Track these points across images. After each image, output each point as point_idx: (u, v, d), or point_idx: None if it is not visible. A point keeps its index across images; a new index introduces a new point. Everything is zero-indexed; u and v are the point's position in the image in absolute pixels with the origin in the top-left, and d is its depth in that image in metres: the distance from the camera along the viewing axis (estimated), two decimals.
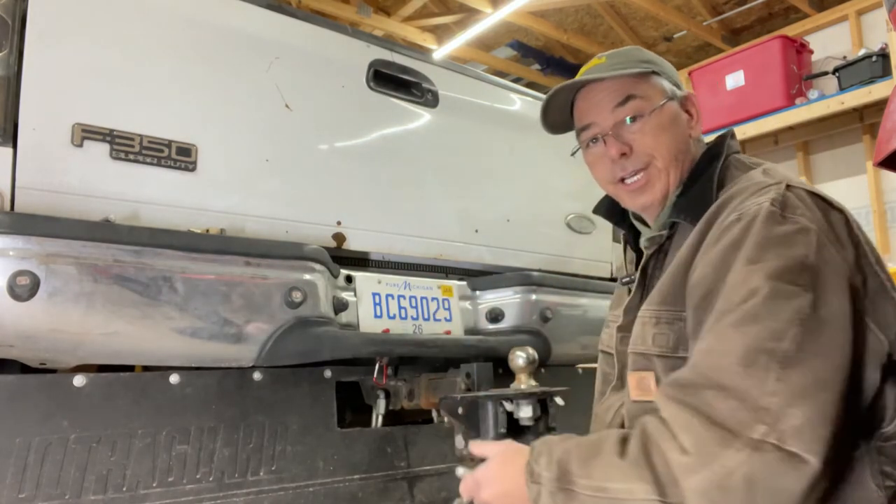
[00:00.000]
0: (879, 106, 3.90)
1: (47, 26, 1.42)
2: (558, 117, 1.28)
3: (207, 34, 1.66)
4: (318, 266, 1.58)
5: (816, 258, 0.91)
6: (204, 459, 1.50)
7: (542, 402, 1.22)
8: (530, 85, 6.54)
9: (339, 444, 1.71)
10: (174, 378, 1.51)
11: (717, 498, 0.83)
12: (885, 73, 3.87)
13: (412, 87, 2.03)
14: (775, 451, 0.81)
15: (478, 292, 2.01)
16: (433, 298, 1.88)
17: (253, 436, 1.58)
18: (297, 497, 1.60)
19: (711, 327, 0.93)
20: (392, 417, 1.88)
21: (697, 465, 0.84)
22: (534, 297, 1.98)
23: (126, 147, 1.48)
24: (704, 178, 1.13)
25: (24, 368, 1.45)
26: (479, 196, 2.15)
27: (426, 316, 1.84)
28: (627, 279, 1.27)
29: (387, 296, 1.80)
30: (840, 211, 1.01)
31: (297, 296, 1.51)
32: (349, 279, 1.75)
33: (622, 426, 1.17)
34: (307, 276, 1.55)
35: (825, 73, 4.24)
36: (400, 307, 1.80)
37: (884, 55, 3.91)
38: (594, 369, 1.44)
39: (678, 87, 1.23)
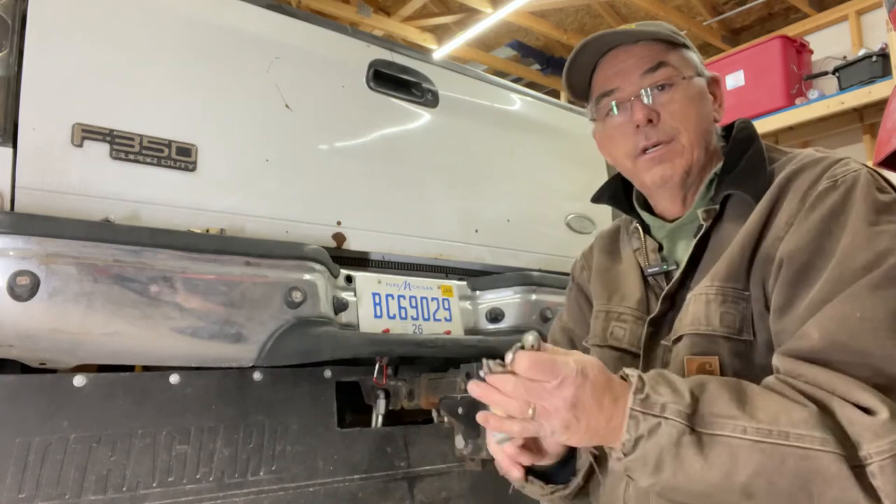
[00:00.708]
0: (879, 106, 3.90)
1: (47, 26, 1.42)
2: (582, 80, 1.15)
3: (207, 34, 1.66)
4: (318, 266, 1.58)
5: None
6: (204, 459, 1.51)
7: None
8: (530, 85, 6.54)
9: (339, 444, 1.71)
10: (174, 378, 1.51)
11: None
12: (885, 73, 3.87)
13: (412, 87, 2.03)
14: None
15: (478, 292, 2.01)
16: (433, 298, 1.88)
17: (253, 436, 1.58)
18: (297, 497, 1.60)
19: (832, 294, 0.85)
20: (392, 417, 1.88)
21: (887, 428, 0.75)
22: (534, 297, 1.98)
23: (126, 147, 1.48)
24: (752, 153, 1.07)
25: (24, 368, 1.45)
26: (479, 196, 2.15)
27: (426, 316, 1.84)
28: (656, 267, 1.12)
29: (387, 296, 1.80)
30: None
31: (297, 296, 1.51)
32: (349, 279, 1.75)
33: None
34: (307, 276, 1.55)
35: (825, 73, 4.24)
36: (400, 307, 1.80)
37: (884, 55, 3.91)
38: None
39: (704, 68, 1.15)
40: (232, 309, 1.44)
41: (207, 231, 1.54)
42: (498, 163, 2.22)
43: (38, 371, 1.45)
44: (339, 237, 1.81)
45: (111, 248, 1.31)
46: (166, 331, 1.38)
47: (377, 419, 1.84)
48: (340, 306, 1.66)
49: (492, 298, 2.00)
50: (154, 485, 1.43)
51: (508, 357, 0.82)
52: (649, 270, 1.13)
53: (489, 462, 1.80)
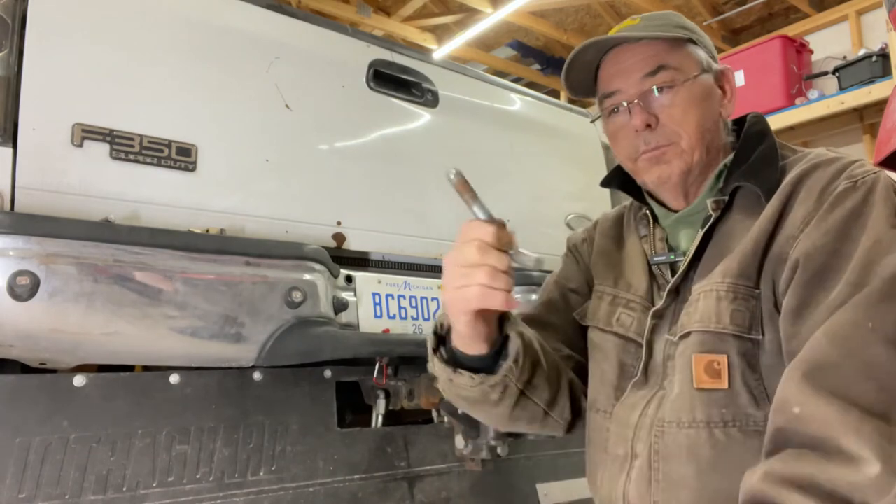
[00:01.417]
0: (879, 106, 3.90)
1: (47, 26, 1.42)
2: (582, 78, 1.14)
3: (207, 34, 1.66)
4: (318, 266, 1.58)
5: None
6: (204, 459, 1.51)
7: None
8: (530, 85, 6.54)
9: (339, 444, 1.71)
10: (174, 378, 1.51)
11: None
12: (885, 73, 3.87)
13: (412, 87, 2.03)
14: None
15: None
16: (433, 298, 1.88)
17: (253, 436, 1.58)
18: (297, 497, 1.60)
19: (850, 298, 0.83)
20: (392, 417, 1.88)
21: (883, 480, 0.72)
22: (534, 297, 1.97)
23: (126, 147, 1.48)
24: (765, 147, 1.05)
25: (24, 368, 1.45)
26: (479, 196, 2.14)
27: (426, 316, 1.84)
28: (663, 257, 1.10)
29: (387, 296, 1.80)
30: None
31: (297, 296, 1.51)
32: (349, 279, 1.75)
33: (649, 430, 1.00)
34: (307, 276, 1.55)
35: (825, 73, 4.24)
36: (400, 307, 1.80)
37: (884, 55, 3.91)
38: None
39: (714, 59, 1.12)
40: (232, 309, 1.44)
41: (207, 231, 1.54)
42: (498, 163, 2.22)
43: (38, 371, 1.45)
44: (339, 237, 1.81)
45: (111, 248, 1.31)
46: (166, 331, 1.38)
47: (377, 419, 1.84)
48: (340, 306, 1.66)
49: None
50: (154, 485, 1.43)
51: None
52: (655, 259, 1.11)
53: (489, 462, 1.81)
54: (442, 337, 1.06)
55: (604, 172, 2.44)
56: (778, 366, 0.90)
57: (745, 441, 0.92)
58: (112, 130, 1.46)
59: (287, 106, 1.75)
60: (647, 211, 1.16)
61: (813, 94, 4.25)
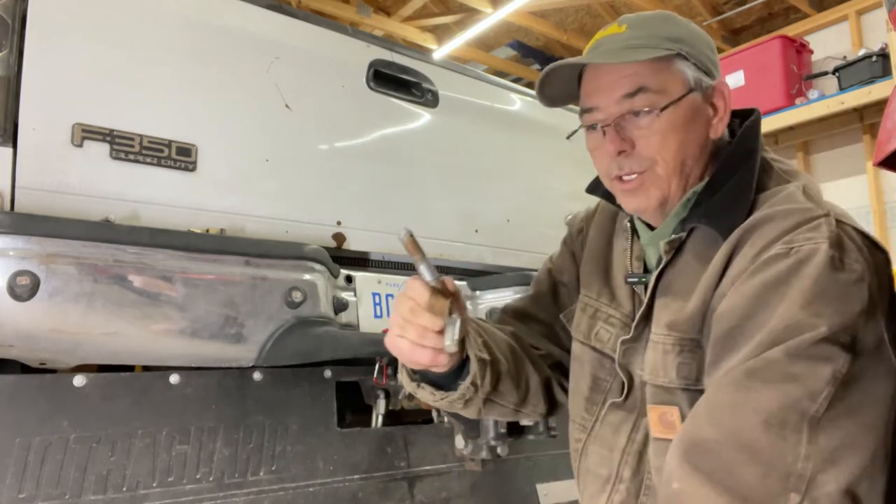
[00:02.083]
0: (879, 106, 3.90)
1: (47, 26, 1.42)
2: (562, 89, 1.08)
3: (207, 34, 1.66)
4: (318, 266, 1.58)
5: (866, 312, 0.83)
6: (204, 459, 1.51)
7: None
8: (530, 85, 6.53)
9: (339, 444, 1.71)
10: (174, 378, 1.51)
11: None
12: (885, 73, 3.87)
13: (412, 87, 2.03)
14: None
15: (478, 292, 2.01)
16: None
17: (253, 436, 1.58)
18: (297, 497, 1.60)
19: (739, 376, 0.82)
20: (392, 417, 1.88)
21: None
22: None
23: (126, 147, 1.48)
24: (739, 179, 0.99)
25: (24, 368, 1.45)
26: (479, 196, 2.15)
27: None
28: (635, 278, 1.08)
29: (387, 296, 1.80)
30: (884, 252, 0.93)
31: (297, 296, 1.51)
32: (349, 279, 1.75)
33: (639, 458, 1.02)
34: (307, 276, 1.55)
35: (825, 73, 4.24)
36: None
37: (884, 55, 3.91)
38: None
39: (709, 72, 1.03)
40: (232, 309, 1.44)
41: (207, 231, 1.54)
42: (498, 163, 2.22)
43: (38, 371, 1.45)
44: (339, 237, 1.81)
45: (111, 248, 1.31)
46: (166, 331, 1.38)
47: (377, 419, 1.84)
48: (340, 306, 1.66)
49: (492, 298, 1.99)
50: (154, 485, 1.43)
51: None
52: (629, 279, 1.10)
53: (489, 462, 1.81)
54: None
55: None
56: None
57: None
58: (112, 130, 1.46)
59: (287, 106, 1.75)
60: (629, 223, 1.13)
61: (813, 94, 4.25)
